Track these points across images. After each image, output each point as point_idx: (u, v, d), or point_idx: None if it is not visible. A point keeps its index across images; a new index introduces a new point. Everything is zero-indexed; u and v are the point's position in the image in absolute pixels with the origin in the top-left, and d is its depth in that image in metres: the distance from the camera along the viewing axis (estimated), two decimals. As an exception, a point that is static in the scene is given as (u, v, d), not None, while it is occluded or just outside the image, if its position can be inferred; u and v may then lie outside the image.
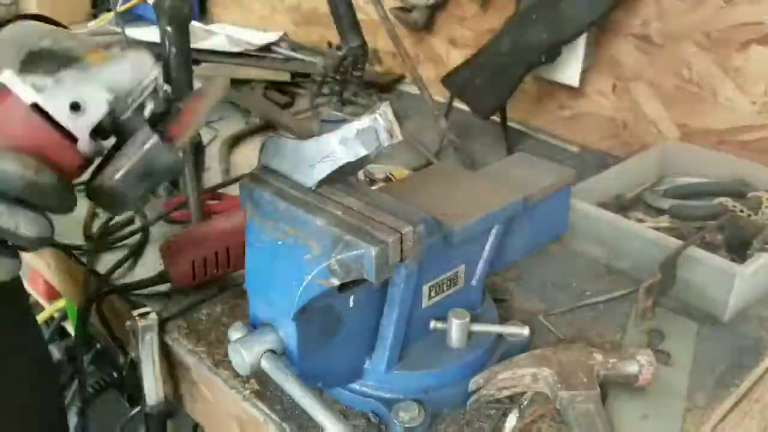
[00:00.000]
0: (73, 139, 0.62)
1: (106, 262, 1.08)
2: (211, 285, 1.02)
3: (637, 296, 0.96)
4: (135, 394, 0.97)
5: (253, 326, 0.79)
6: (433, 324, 0.86)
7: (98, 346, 1.02)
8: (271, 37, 2.01)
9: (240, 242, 0.92)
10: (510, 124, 1.51)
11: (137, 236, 1.14)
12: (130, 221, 1.17)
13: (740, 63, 1.25)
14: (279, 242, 0.73)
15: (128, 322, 0.93)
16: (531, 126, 1.59)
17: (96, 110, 0.62)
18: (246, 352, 0.74)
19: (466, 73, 1.43)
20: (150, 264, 1.08)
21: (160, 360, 0.94)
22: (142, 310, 0.94)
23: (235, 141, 1.51)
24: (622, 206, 1.21)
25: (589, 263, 1.11)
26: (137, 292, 1.02)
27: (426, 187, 0.87)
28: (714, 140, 1.33)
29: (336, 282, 0.69)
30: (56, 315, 1.74)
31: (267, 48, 1.96)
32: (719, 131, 1.32)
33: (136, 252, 1.11)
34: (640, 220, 1.17)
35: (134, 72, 0.64)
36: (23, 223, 0.60)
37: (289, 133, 1.54)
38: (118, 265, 1.07)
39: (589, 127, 1.51)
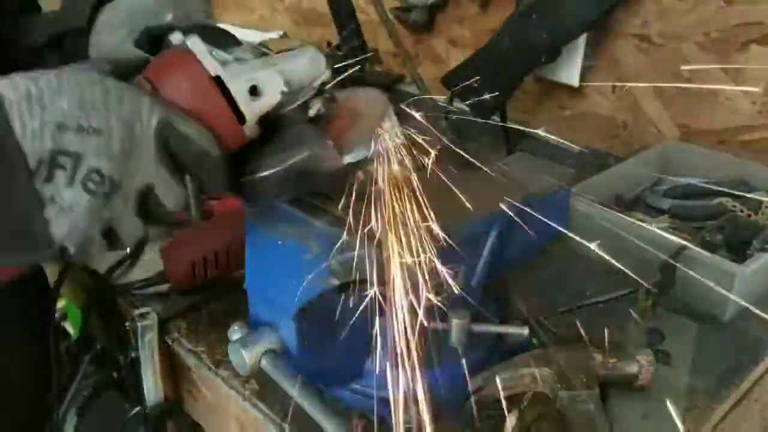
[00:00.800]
0: (243, 121, 0.62)
1: (104, 261, 1.08)
2: (211, 285, 1.02)
3: (637, 296, 0.96)
4: (135, 394, 0.97)
5: (253, 326, 0.79)
6: (433, 324, 0.86)
7: (98, 346, 1.02)
8: (271, 36, 2.00)
9: (240, 242, 0.93)
10: (510, 124, 1.51)
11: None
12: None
13: (740, 63, 1.25)
14: (279, 243, 0.73)
15: (128, 322, 0.93)
16: (531, 126, 1.59)
17: (272, 97, 0.63)
18: (246, 352, 0.74)
19: (466, 73, 1.43)
20: (149, 264, 1.07)
21: (160, 360, 0.94)
22: (142, 310, 0.94)
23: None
24: (622, 206, 1.20)
25: (589, 263, 1.11)
26: (137, 292, 1.02)
27: (426, 187, 0.87)
28: (714, 140, 1.33)
29: (335, 282, 0.69)
30: (56, 315, 1.74)
31: (267, 48, 1.96)
32: (719, 131, 1.32)
33: (135, 252, 1.10)
34: (640, 220, 1.17)
35: (311, 69, 0.65)
36: (172, 194, 0.60)
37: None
38: (118, 264, 1.07)
39: (589, 127, 1.51)
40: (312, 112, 0.66)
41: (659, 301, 0.98)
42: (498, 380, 0.82)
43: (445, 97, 1.51)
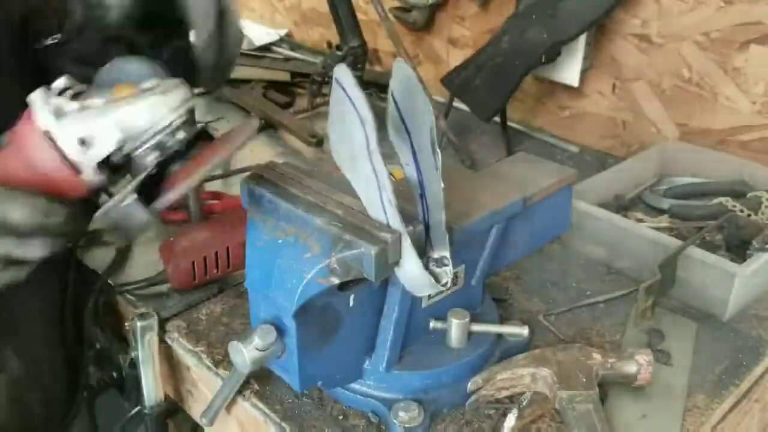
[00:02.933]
0: (79, 171, 0.64)
1: (92, 259, 1.08)
2: (211, 285, 1.02)
3: (637, 296, 0.96)
4: (135, 394, 0.97)
5: (254, 325, 0.79)
6: (432, 324, 0.86)
7: (98, 346, 1.02)
8: (274, 35, 2.01)
9: (240, 242, 0.93)
10: (510, 124, 1.51)
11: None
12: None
13: (740, 63, 1.25)
14: (279, 241, 0.73)
15: (128, 322, 0.93)
16: (531, 126, 1.59)
17: (103, 147, 0.64)
18: (247, 351, 0.74)
19: (466, 73, 1.43)
20: (140, 261, 1.08)
21: (160, 360, 0.94)
22: (142, 310, 0.94)
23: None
24: (622, 206, 1.21)
25: (589, 263, 1.11)
26: (137, 292, 1.02)
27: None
28: (714, 140, 1.33)
29: (336, 281, 0.69)
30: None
31: (267, 48, 1.97)
32: (719, 131, 1.32)
33: (124, 251, 1.10)
34: (640, 220, 1.17)
35: (150, 115, 0.65)
36: (33, 250, 0.63)
37: (288, 132, 1.54)
38: (114, 263, 1.07)
39: (589, 127, 1.51)
40: (153, 157, 0.67)
41: (659, 301, 0.98)
42: (497, 380, 0.82)
43: (445, 97, 1.51)
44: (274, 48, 1.97)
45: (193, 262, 0.98)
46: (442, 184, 0.71)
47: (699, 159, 1.28)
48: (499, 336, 0.89)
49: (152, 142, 0.66)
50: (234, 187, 1.29)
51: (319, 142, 1.48)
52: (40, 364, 0.96)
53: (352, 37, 1.51)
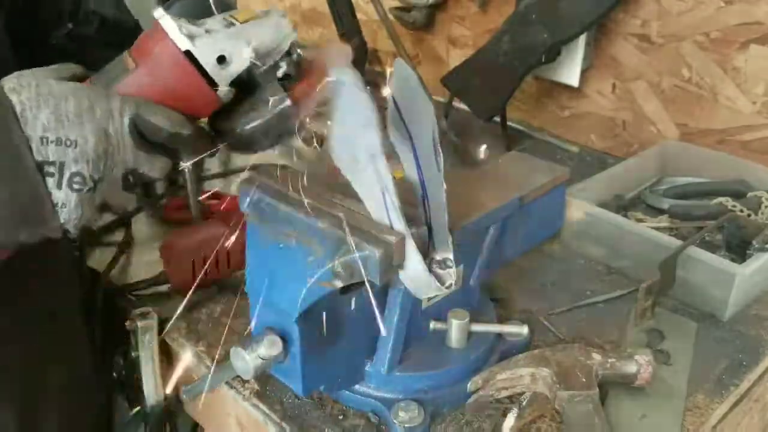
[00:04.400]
0: (215, 86, 0.71)
1: (92, 259, 1.08)
2: (211, 285, 1.02)
3: (637, 296, 0.96)
4: (135, 394, 0.97)
5: (255, 329, 0.79)
6: (432, 324, 0.86)
7: (98, 346, 1.02)
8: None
9: (240, 243, 0.92)
10: (510, 124, 1.51)
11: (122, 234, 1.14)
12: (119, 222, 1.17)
13: (740, 63, 1.25)
14: (280, 245, 0.73)
15: (128, 322, 0.93)
16: (531, 126, 1.59)
17: (239, 64, 0.71)
18: (249, 356, 0.74)
19: (466, 73, 1.43)
20: (140, 261, 1.08)
21: (160, 360, 0.94)
22: (142, 310, 0.94)
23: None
24: (622, 206, 1.21)
25: (589, 263, 1.11)
26: (137, 292, 1.02)
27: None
28: (714, 140, 1.33)
29: (339, 284, 0.69)
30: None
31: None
32: (719, 131, 1.32)
33: (123, 249, 1.10)
34: (640, 220, 1.17)
35: (276, 34, 0.73)
36: (157, 168, 0.71)
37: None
38: (113, 263, 1.07)
39: (589, 127, 1.51)
40: (280, 73, 0.74)
41: (659, 301, 0.98)
42: (497, 380, 0.82)
43: (445, 97, 1.51)
44: (274, 48, 1.97)
45: (193, 262, 0.98)
46: (445, 186, 0.71)
47: (699, 159, 1.28)
48: (499, 336, 0.89)
49: (275, 59, 0.73)
50: (234, 187, 1.29)
51: (319, 142, 1.47)
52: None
53: (352, 37, 1.51)
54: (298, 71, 0.76)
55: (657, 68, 1.37)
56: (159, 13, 0.71)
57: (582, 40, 1.39)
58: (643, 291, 0.95)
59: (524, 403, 0.82)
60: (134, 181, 0.72)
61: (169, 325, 0.96)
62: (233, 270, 1.02)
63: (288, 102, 0.74)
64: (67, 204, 0.66)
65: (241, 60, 0.71)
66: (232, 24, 0.72)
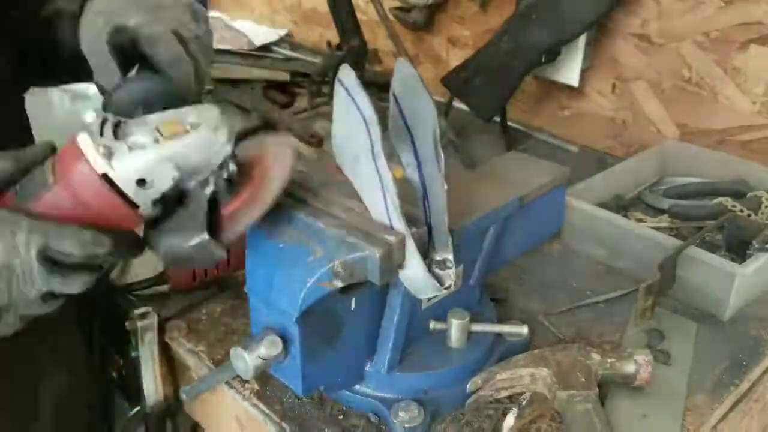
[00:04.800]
0: (136, 206, 0.66)
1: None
2: (211, 285, 1.02)
3: (637, 296, 0.96)
4: (135, 394, 0.97)
5: (254, 330, 0.79)
6: (432, 324, 0.86)
7: (98, 346, 1.02)
8: (274, 35, 2.01)
9: (240, 243, 0.92)
10: (510, 124, 1.51)
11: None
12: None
13: (740, 63, 1.25)
14: (280, 245, 0.73)
15: (128, 322, 0.93)
16: (531, 126, 1.59)
17: (160, 185, 0.66)
18: (249, 356, 0.74)
19: (466, 73, 1.43)
20: (140, 261, 1.07)
21: (160, 360, 0.94)
22: (142, 310, 0.94)
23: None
24: (622, 206, 1.21)
25: (589, 263, 1.11)
26: (137, 292, 1.02)
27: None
28: (714, 140, 1.33)
29: (339, 284, 0.69)
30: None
31: (267, 47, 1.96)
32: (719, 131, 1.32)
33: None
34: (640, 220, 1.17)
35: (205, 151, 0.67)
36: (73, 285, 0.66)
37: (288, 132, 1.54)
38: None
39: (589, 127, 1.51)
40: (208, 191, 0.68)
41: (659, 301, 0.98)
42: (497, 380, 0.82)
43: (445, 97, 1.51)
44: (274, 48, 1.97)
45: (194, 263, 0.98)
46: (446, 186, 0.71)
47: (699, 159, 1.28)
48: (499, 336, 0.89)
49: (206, 176, 0.68)
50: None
51: (319, 142, 1.48)
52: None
53: (352, 37, 1.51)
54: (230, 186, 0.70)
55: (657, 68, 1.37)
56: (89, 115, 0.66)
57: (582, 40, 1.39)
58: (643, 291, 0.95)
59: (524, 403, 0.82)
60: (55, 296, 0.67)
61: (168, 324, 0.96)
62: (234, 270, 1.02)
63: (201, 239, 0.68)
64: None
65: (163, 181, 0.66)
66: (158, 139, 0.66)
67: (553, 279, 1.07)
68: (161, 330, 0.95)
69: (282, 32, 2.05)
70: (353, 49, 1.52)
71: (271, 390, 0.85)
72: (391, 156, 0.70)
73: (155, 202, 0.66)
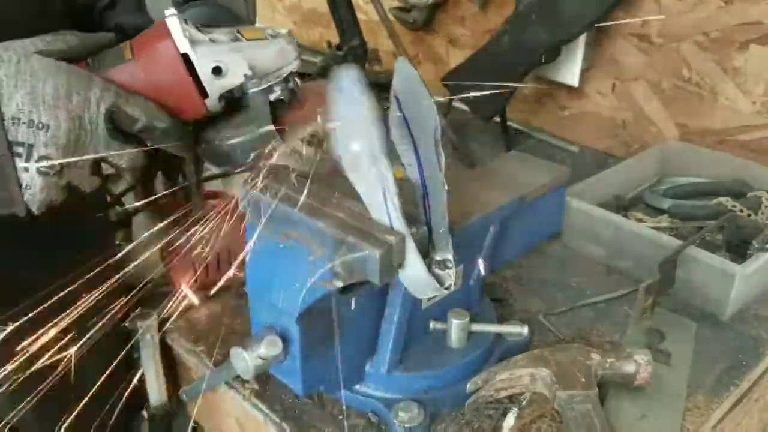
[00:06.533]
0: (205, 95, 0.71)
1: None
2: (211, 286, 1.02)
3: (637, 296, 0.96)
4: (136, 394, 0.97)
5: (255, 330, 0.79)
6: (432, 324, 0.86)
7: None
8: (280, 32, 2.01)
9: (242, 243, 0.92)
10: (510, 124, 1.51)
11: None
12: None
13: (740, 63, 1.25)
14: (280, 245, 0.73)
15: (128, 322, 0.93)
16: (531, 126, 1.59)
17: (233, 78, 0.71)
18: (249, 356, 0.74)
19: (466, 73, 1.43)
20: (149, 264, 1.07)
21: (161, 360, 0.94)
22: (142, 310, 0.94)
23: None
24: (621, 206, 1.21)
25: (589, 263, 1.11)
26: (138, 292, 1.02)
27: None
28: (714, 140, 1.33)
29: (339, 284, 0.69)
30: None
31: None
32: (719, 131, 1.32)
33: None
34: (640, 220, 1.17)
35: (277, 58, 0.73)
36: (125, 158, 0.71)
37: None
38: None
39: (589, 127, 1.51)
40: (272, 97, 0.74)
41: (659, 301, 0.98)
42: (496, 381, 0.82)
43: (445, 97, 1.51)
44: (274, 48, 1.97)
45: (195, 264, 0.98)
46: (446, 187, 0.71)
47: (699, 159, 1.28)
48: (499, 336, 0.89)
49: (271, 83, 0.73)
50: (234, 187, 1.29)
51: (319, 142, 1.47)
52: None
53: (352, 37, 1.51)
54: (292, 99, 0.76)
55: (657, 68, 1.37)
56: (169, 11, 0.71)
57: (582, 40, 1.39)
58: (643, 291, 0.95)
59: (524, 403, 0.82)
60: (103, 167, 0.72)
61: (168, 324, 0.96)
62: (235, 271, 1.01)
63: (270, 128, 0.74)
64: (32, 186, 0.66)
65: (236, 75, 0.71)
66: (238, 39, 0.72)
67: (553, 279, 1.07)
68: (162, 330, 0.95)
69: (283, 32, 2.05)
70: (353, 49, 1.52)
71: (271, 390, 0.85)
72: (392, 156, 0.70)
73: (221, 97, 0.71)
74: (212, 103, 0.72)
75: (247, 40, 0.72)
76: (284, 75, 0.74)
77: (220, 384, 0.85)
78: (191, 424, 1.06)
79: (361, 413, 0.82)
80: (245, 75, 0.71)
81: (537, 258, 1.10)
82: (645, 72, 1.39)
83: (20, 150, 0.64)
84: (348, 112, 0.68)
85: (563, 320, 0.98)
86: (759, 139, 1.28)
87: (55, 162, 0.65)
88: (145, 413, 0.97)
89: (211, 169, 1.36)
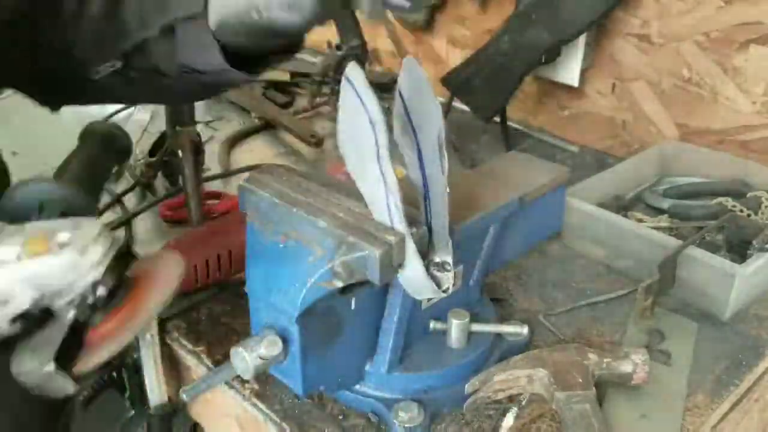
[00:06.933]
0: None
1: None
2: (211, 285, 1.02)
3: (637, 296, 0.96)
4: (135, 395, 0.97)
5: (255, 330, 0.79)
6: (432, 324, 0.86)
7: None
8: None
9: (242, 244, 0.92)
10: (510, 124, 1.51)
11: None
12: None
13: (740, 63, 1.25)
14: (280, 245, 0.73)
15: (128, 323, 0.93)
16: (531, 126, 1.59)
17: (17, 305, 0.61)
18: (249, 356, 0.74)
19: (466, 73, 1.43)
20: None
21: (161, 360, 0.94)
22: (142, 310, 0.93)
23: (234, 141, 1.51)
24: (621, 206, 1.21)
25: (589, 263, 1.11)
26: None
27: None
28: (714, 140, 1.33)
29: (339, 284, 0.69)
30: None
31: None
32: (719, 131, 1.32)
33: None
34: (640, 220, 1.17)
35: (67, 275, 0.61)
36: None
37: (288, 132, 1.54)
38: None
39: (589, 127, 1.51)
40: (71, 315, 0.63)
41: (659, 301, 0.98)
42: (494, 382, 0.82)
43: (445, 97, 1.51)
44: (274, 48, 1.97)
45: (196, 266, 0.98)
46: (448, 189, 0.71)
47: (699, 159, 1.28)
48: (499, 336, 0.89)
49: (70, 299, 0.62)
50: (234, 187, 1.29)
51: (318, 142, 1.48)
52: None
53: (352, 37, 1.51)
54: (108, 305, 0.63)
55: (657, 68, 1.37)
56: None
57: (582, 40, 1.39)
58: (643, 291, 0.95)
59: (523, 403, 0.82)
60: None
61: (169, 325, 0.96)
62: (235, 272, 1.02)
63: (48, 368, 0.61)
64: None
65: (21, 301, 0.60)
66: (20, 257, 0.60)
67: (553, 279, 1.07)
68: (162, 330, 0.95)
69: None
70: (353, 49, 1.52)
71: (271, 390, 0.86)
72: (394, 155, 0.70)
73: (13, 320, 0.61)
74: (2, 330, 0.61)
75: (29, 255, 0.61)
76: (80, 290, 0.61)
77: (220, 384, 0.85)
78: (191, 424, 1.07)
79: (361, 413, 0.82)
80: (32, 298, 0.60)
81: (537, 258, 1.10)
82: (645, 72, 1.39)
83: None
84: (354, 112, 0.68)
85: (563, 320, 0.98)
86: (759, 139, 1.28)
87: None
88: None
89: (211, 170, 1.37)
